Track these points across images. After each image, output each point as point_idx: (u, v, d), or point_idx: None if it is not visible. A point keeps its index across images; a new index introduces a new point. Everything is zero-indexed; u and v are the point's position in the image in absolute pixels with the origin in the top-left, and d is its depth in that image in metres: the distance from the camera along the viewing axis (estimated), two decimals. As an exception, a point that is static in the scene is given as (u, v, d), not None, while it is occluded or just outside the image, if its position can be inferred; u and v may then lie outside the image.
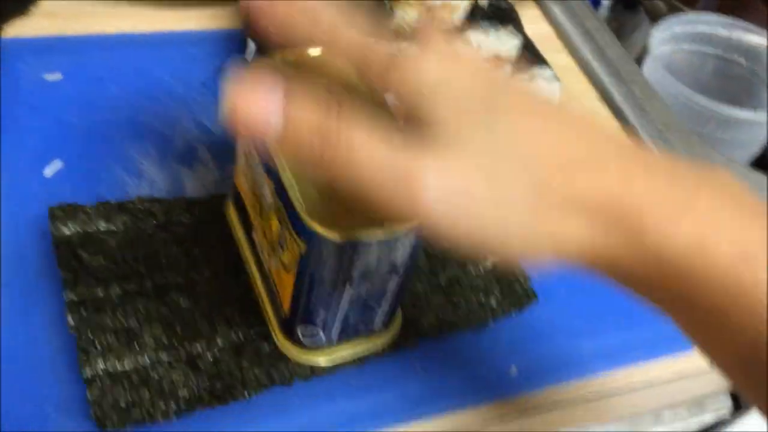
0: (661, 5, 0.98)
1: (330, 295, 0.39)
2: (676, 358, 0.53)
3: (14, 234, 0.47)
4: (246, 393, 0.43)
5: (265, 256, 0.44)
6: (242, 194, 0.46)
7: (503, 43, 0.56)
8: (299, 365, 0.44)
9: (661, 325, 0.52)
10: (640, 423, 0.61)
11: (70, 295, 0.44)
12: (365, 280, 0.39)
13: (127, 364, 0.42)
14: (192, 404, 0.42)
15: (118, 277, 0.46)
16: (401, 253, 0.38)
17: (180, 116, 0.58)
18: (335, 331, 0.43)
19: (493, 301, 0.51)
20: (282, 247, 0.39)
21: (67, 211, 0.48)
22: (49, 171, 0.51)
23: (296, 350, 0.44)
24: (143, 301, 0.45)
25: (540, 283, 0.53)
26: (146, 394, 0.41)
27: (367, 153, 0.27)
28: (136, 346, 0.43)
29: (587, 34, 0.78)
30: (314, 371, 0.44)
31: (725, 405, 0.65)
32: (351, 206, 0.33)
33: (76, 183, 0.51)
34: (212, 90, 0.61)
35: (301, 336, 0.43)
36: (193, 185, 0.53)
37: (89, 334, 0.43)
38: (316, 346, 0.44)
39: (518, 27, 0.56)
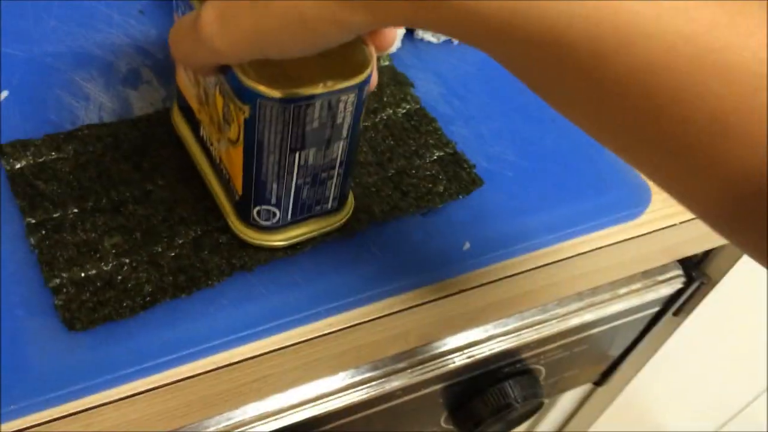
0: None
1: (280, 166, 0.40)
2: (622, 227, 0.55)
3: (-33, 164, 0.48)
4: (209, 282, 0.45)
5: (214, 145, 0.45)
6: (185, 94, 0.47)
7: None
8: (258, 251, 0.46)
9: (601, 198, 0.55)
10: (596, 300, 0.64)
11: (29, 219, 0.46)
12: (312, 145, 0.40)
13: (91, 272, 0.44)
14: (156, 297, 0.43)
15: (73, 198, 0.47)
16: (344, 115, 0.39)
17: (121, 43, 0.58)
18: (290, 210, 0.44)
19: (440, 188, 0.53)
20: (227, 122, 0.40)
21: (16, 146, 0.49)
22: (-4, 102, 0.52)
23: (254, 233, 0.45)
24: (100, 216, 0.47)
25: (486, 171, 0.55)
26: (112, 294, 0.43)
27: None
28: (98, 256, 0.45)
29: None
30: (273, 255, 0.46)
31: (679, 278, 0.68)
32: (287, 72, 0.35)
33: (24, 110, 0.52)
34: (150, 18, 0.61)
35: (257, 218, 0.44)
36: (140, 105, 0.54)
37: (51, 250, 0.44)
38: (272, 227, 0.45)
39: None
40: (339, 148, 0.42)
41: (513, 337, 0.60)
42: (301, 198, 0.44)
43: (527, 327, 0.60)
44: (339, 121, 0.40)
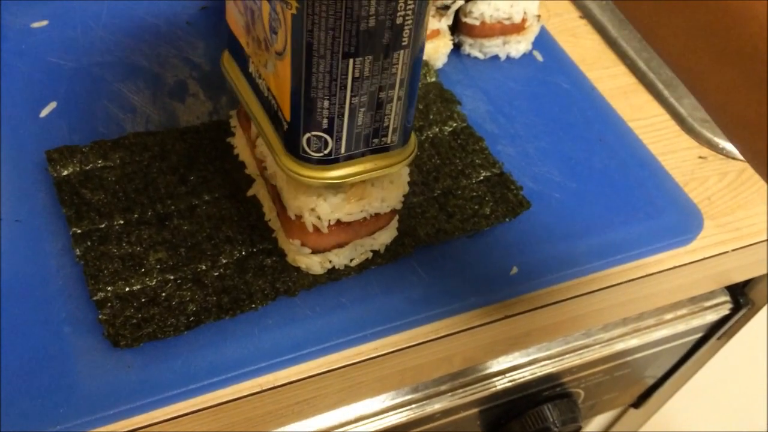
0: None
1: (332, 77, 0.35)
2: (672, 253, 0.54)
3: (17, 177, 0.48)
4: (252, 305, 0.44)
5: (262, 75, 0.41)
6: (234, 30, 0.44)
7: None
8: (303, 275, 0.45)
9: (651, 223, 0.54)
10: (642, 326, 0.63)
11: (75, 229, 0.46)
12: (369, 52, 0.34)
13: (135, 286, 0.44)
14: (200, 318, 0.43)
15: (119, 209, 0.47)
16: (405, 15, 0.33)
17: (168, 54, 0.58)
18: (344, 139, 0.38)
19: (486, 210, 0.52)
20: (275, 31, 0.35)
21: (64, 153, 0.49)
22: (45, 112, 0.52)
23: (304, 169, 0.40)
24: (146, 229, 0.46)
25: (533, 192, 0.54)
26: (156, 312, 0.43)
27: None
28: (142, 270, 0.44)
29: (567, -45, 0.78)
30: (316, 281, 0.46)
31: (726, 304, 0.66)
32: None
33: (72, 122, 0.52)
34: (197, 29, 0.61)
35: (307, 148, 0.38)
36: (186, 118, 0.54)
37: (96, 262, 0.44)
38: (325, 161, 0.39)
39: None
40: (400, 60, 0.35)
41: (556, 361, 0.59)
42: (356, 124, 0.37)
43: (571, 351, 0.59)
44: (399, 21, 0.33)
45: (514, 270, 0.49)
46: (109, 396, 0.40)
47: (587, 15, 0.73)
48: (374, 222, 0.45)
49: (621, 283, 0.52)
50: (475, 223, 0.51)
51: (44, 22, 0.58)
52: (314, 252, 0.45)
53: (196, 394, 0.41)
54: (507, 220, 0.52)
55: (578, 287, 0.51)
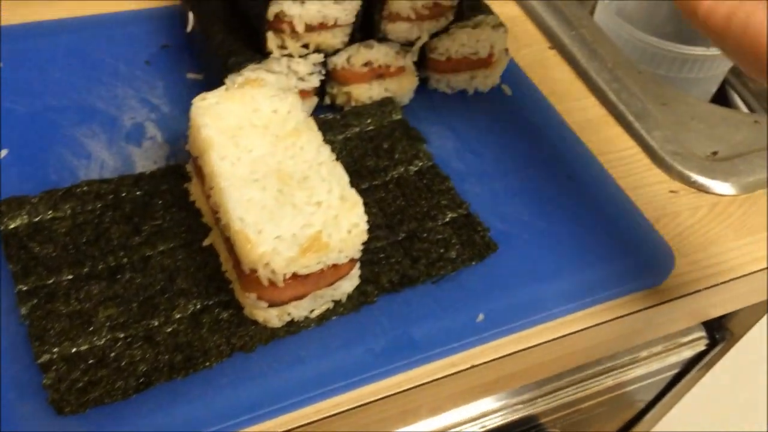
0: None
1: None
2: (641, 295, 0.52)
3: (-39, 227, 0.47)
4: (207, 363, 0.42)
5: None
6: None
7: (443, -9, 0.55)
8: (260, 330, 0.44)
9: (621, 263, 0.53)
10: (616, 365, 0.61)
11: (21, 287, 0.44)
12: None
13: (83, 347, 0.42)
14: (151, 379, 0.41)
15: (68, 263, 0.45)
16: None
17: (126, 95, 0.57)
18: None
19: (452, 253, 0.50)
20: None
21: (12, 204, 0.47)
22: (-7, 161, 0.50)
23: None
24: (96, 283, 0.45)
25: (500, 233, 0.52)
26: (103, 374, 0.41)
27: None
28: (91, 329, 0.43)
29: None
30: (275, 333, 0.44)
31: (701, 339, 0.65)
32: None
33: (23, 170, 0.50)
34: (157, 68, 0.60)
35: None
36: (143, 163, 0.52)
37: (42, 321, 0.42)
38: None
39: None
40: None
41: (528, 405, 0.57)
42: None
43: (543, 395, 0.58)
44: None
45: (481, 317, 0.48)
46: (52, 467, 0.38)
47: (557, 45, 0.73)
48: (333, 272, 0.44)
49: (590, 327, 0.50)
50: (441, 268, 0.50)
51: (-2, 64, 0.56)
52: (271, 305, 0.43)
53: (145, 461, 0.39)
54: (473, 263, 0.50)
55: (547, 332, 0.49)
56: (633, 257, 0.54)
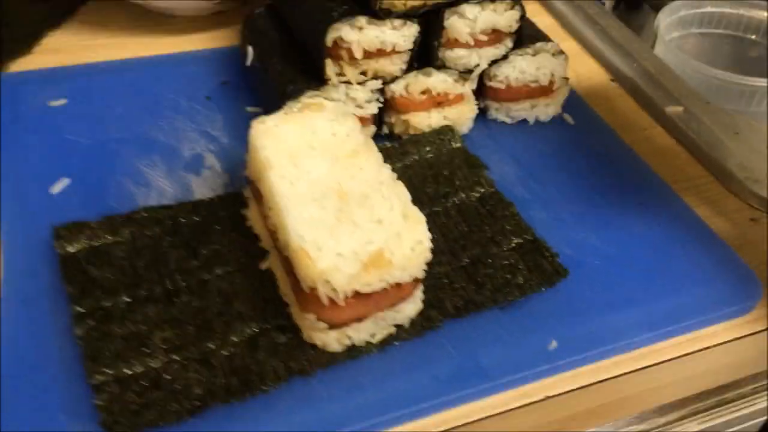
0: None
1: None
2: (730, 324, 0.48)
3: (22, 252, 0.46)
4: (264, 387, 0.40)
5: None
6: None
7: (501, 16, 0.54)
8: (320, 354, 0.42)
9: (704, 291, 0.49)
10: (701, 407, 0.56)
11: (77, 308, 0.43)
12: None
13: (137, 369, 0.40)
14: (207, 402, 0.39)
15: (126, 286, 0.44)
16: None
17: (186, 128, 0.57)
18: None
19: (519, 279, 0.48)
20: None
21: (72, 229, 0.47)
22: (56, 188, 0.50)
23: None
24: (152, 306, 0.44)
25: (569, 259, 0.50)
26: (158, 396, 0.39)
27: None
28: (146, 350, 0.41)
29: (591, 20, 0.76)
30: (334, 359, 0.42)
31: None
32: None
33: (84, 198, 0.50)
34: (217, 103, 0.60)
35: None
36: (201, 191, 0.52)
37: (97, 343, 0.41)
38: None
39: (516, 0, 0.55)
40: None
41: (605, 449, 0.53)
42: None
43: (622, 438, 0.53)
44: None
45: (553, 344, 0.45)
46: (102, 492, 0.36)
47: (619, 78, 0.71)
48: (396, 292, 0.42)
49: (673, 359, 0.46)
50: (508, 294, 0.47)
51: (63, 101, 0.58)
52: (331, 327, 0.41)
53: (199, 488, 0.37)
54: (542, 289, 0.48)
55: (626, 363, 0.46)
56: (716, 285, 0.50)
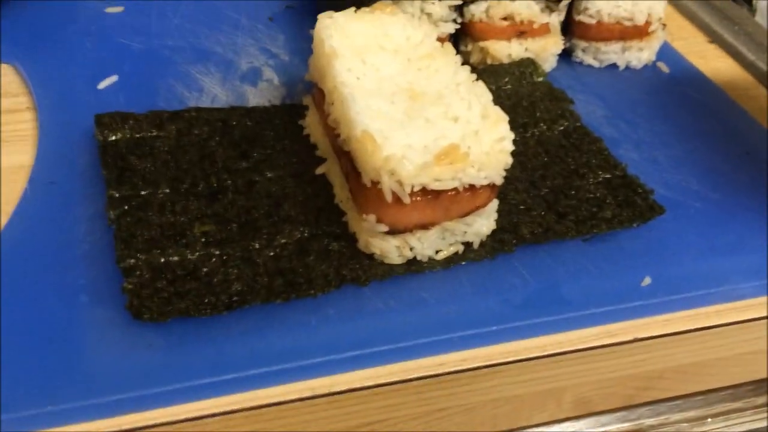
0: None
1: None
2: None
3: (59, 141, 0.43)
4: (312, 290, 0.35)
5: None
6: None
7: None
8: (376, 264, 0.36)
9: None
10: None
11: (113, 192, 0.39)
12: None
13: (172, 258, 0.36)
14: (246, 298, 0.34)
15: (167, 178, 0.40)
16: None
17: (245, 44, 0.53)
18: None
19: (607, 213, 0.42)
20: None
21: (115, 118, 0.43)
22: (103, 84, 0.47)
23: None
24: (195, 200, 0.39)
25: (666, 199, 0.43)
26: (192, 287, 0.34)
27: None
28: (184, 242, 0.36)
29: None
30: (392, 271, 0.36)
31: None
32: None
33: (131, 96, 0.46)
34: (280, 24, 0.56)
35: None
36: (257, 100, 0.48)
37: (131, 227, 0.37)
38: None
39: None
40: None
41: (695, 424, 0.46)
42: None
43: (713, 415, 0.46)
44: None
45: (647, 280, 0.38)
46: (122, 378, 0.31)
47: (717, 40, 0.64)
48: (468, 199, 0.36)
49: (787, 314, 0.39)
50: (594, 226, 0.41)
51: (119, 8, 0.54)
52: (392, 232, 0.36)
53: (230, 389, 0.31)
54: (635, 225, 0.41)
55: (730, 313, 0.39)
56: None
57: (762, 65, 0.61)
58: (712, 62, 0.61)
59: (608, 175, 0.45)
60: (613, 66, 0.56)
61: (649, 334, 0.37)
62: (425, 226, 0.36)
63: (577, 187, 0.43)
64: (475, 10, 0.51)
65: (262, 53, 0.52)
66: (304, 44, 0.53)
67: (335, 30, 0.42)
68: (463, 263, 0.38)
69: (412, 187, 0.34)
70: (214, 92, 0.48)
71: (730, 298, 0.39)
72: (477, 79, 0.49)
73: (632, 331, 0.37)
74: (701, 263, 0.40)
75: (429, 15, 0.49)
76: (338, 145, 0.39)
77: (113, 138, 0.42)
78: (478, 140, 0.36)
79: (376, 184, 0.35)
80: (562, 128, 0.48)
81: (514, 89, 0.51)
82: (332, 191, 0.41)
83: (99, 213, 0.38)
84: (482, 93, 0.39)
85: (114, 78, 0.47)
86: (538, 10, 0.52)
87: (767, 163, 0.48)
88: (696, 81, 0.56)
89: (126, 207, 0.37)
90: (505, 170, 0.37)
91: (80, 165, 0.41)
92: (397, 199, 0.35)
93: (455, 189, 0.35)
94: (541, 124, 0.48)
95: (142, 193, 0.39)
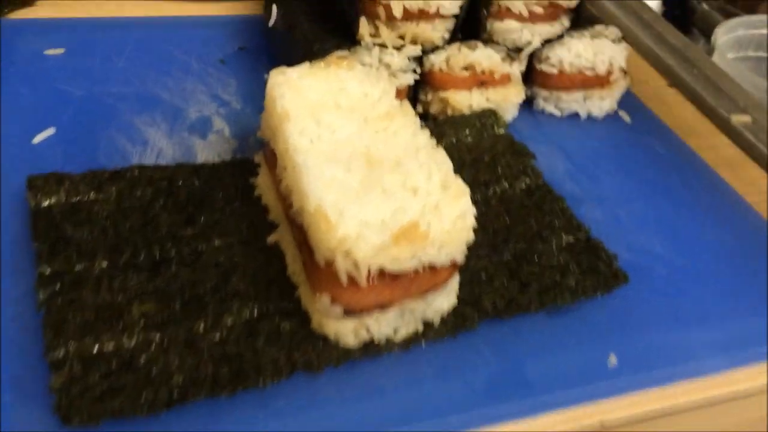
0: (716, 15, 0.90)
1: None
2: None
3: (-10, 204, 0.39)
4: (259, 380, 0.32)
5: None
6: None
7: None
8: (332, 348, 0.34)
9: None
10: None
11: (44, 268, 0.35)
12: None
13: (107, 346, 0.33)
14: (188, 394, 0.31)
15: (105, 249, 0.37)
16: None
17: (195, 90, 0.50)
18: None
19: (571, 281, 0.40)
20: None
21: (49, 180, 0.40)
22: (39, 138, 0.44)
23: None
24: (134, 275, 0.36)
25: (629, 264, 0.42)
26: (129, 380, 0.31)
27: None
28: (121, 326, 0.34)
29: (644, 23, 0.70)
30: (348, 355, 0.34)
31: None
32: None
33: (69, 151, 0.43)
34: (232, 67, 0.53)
35: None
36: (206, 154, 0.45)
37: (62, 311, 0.34)
38: None
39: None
40: None
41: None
42: None
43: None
44: None
45: (613, 360, 0.37)
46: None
47: (678, 83, 0.64)
48: (429, 277, 0.34)
49: (756, 394, 0.39)
50: (557, 297, 0.39)
51: (60, 50, 0.51)
52: (348, 313, 0.34)
53: (168, 501, 0.29)
54: (598, 294, 0.40)
55: (696, 391, 0.38)
56: (801, 307, 0.42)
57: (723, 111, 0.60)
58: (673, 108, 0.61)
59: (571, 239, 0.43)
60: (575, 115, 0.55)
61: (615, 417, 0.36)
62: (383, 306, 0.34)
63: (540, 252, 0.42)
64: (435, 60, 0.49)
65: (213, 100, 0.50)
66: (256, 90, 0.51)
67: (288, 88, 0.39)
68: (423, 344, 0.36)
69: (369, 268, 0.32)
70: (159, 146, 0.45)
71: (696, 374, 0.38)
72: (437, 135, 0.48)
73: (597, 414, 0.36)
74: (667, 336, 0.39)
75: (388, 66, 0.47)
76: (291, 214, 0.36)
77: (47, 203, 0.39)
78: (439, 215, 0.34)
79: (330, 264, 0.32)
80: (524, 186, 0.46)
81: (475, 142, 0.49)
82: (284, 261, 0.38)
83: (29, 291, 0.35)
84: (443, 161, 0.37)
85: (51, 131, 0.44)
86: (499, 60, 0.50)
87: (728, 223, 0.47)
88: (657, 131, 0.55)
89: (58, 286, 0.34)
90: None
91: (11, 233, 0.38)
92: (352, 280, 0.33)
93: (414, 269, 0.33)
94: (503, 182, 0.46)
95: (77, 268, 0.36)
